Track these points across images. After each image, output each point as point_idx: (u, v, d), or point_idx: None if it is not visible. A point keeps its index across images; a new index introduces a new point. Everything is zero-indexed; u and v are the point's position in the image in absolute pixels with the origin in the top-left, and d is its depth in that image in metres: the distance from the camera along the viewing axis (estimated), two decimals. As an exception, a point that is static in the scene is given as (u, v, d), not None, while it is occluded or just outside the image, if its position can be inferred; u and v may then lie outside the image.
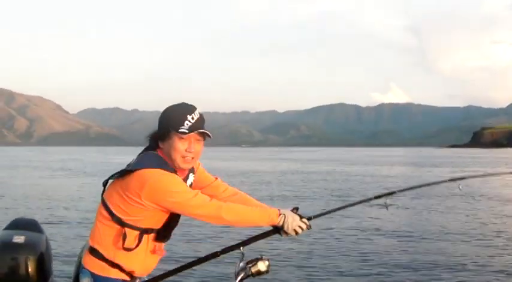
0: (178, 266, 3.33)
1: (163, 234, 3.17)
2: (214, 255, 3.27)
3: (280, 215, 3.12)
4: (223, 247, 3.28)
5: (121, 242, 3.04)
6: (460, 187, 3.55)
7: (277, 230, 3.17)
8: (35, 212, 17.86)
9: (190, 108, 3.08)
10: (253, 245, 3.24)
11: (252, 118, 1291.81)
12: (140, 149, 3.22)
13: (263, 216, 3.12)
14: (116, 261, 3.09)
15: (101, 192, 3.19)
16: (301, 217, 3.17)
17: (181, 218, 3.16)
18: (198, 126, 3.03)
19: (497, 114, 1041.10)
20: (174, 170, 3.08)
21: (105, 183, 3.18)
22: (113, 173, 3.17)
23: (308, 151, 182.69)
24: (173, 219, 3.16)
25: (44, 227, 4.11)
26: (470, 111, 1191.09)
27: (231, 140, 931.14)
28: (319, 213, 3.38)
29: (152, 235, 3.13)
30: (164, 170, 3.01)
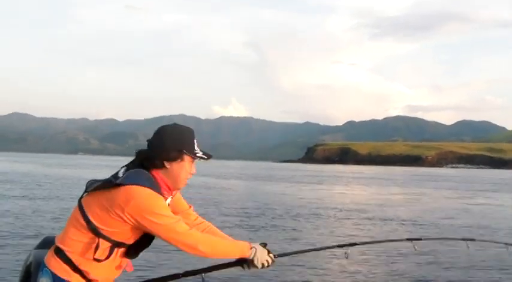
0: None
1: (133, 250, 3.14)
2: (175, 276, 3.31)
3: (251, 248, 3.23)
4: (185, 270, 3.32)
5: (92, 251, 3.01)
6: (416, 247, 3.96)
7: (242, 262, 3.26)
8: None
9: (193, 131, 3.24)
10: (214, 273, 3.36)
11: (90, 125, 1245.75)
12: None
13: (236, 249, 3.20)
14: (82, 267, 3.03)
15: (80, 196, 3.14)
16: (268, 252, 3.28)
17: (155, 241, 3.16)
18: (204, 151, 3.26)
19: (334, 132, 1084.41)
20: (160, 192, 3.08)
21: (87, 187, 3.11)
22: None
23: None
24: (146, 238, 3.14)
25: None
26: (307, 127, 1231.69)
27: (68, 147, 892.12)
28: (285, 252, 3.56)
29: (122, 250, 3.10)
30: (153, 190, 3.01)
